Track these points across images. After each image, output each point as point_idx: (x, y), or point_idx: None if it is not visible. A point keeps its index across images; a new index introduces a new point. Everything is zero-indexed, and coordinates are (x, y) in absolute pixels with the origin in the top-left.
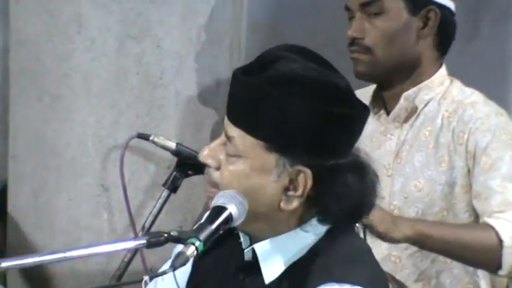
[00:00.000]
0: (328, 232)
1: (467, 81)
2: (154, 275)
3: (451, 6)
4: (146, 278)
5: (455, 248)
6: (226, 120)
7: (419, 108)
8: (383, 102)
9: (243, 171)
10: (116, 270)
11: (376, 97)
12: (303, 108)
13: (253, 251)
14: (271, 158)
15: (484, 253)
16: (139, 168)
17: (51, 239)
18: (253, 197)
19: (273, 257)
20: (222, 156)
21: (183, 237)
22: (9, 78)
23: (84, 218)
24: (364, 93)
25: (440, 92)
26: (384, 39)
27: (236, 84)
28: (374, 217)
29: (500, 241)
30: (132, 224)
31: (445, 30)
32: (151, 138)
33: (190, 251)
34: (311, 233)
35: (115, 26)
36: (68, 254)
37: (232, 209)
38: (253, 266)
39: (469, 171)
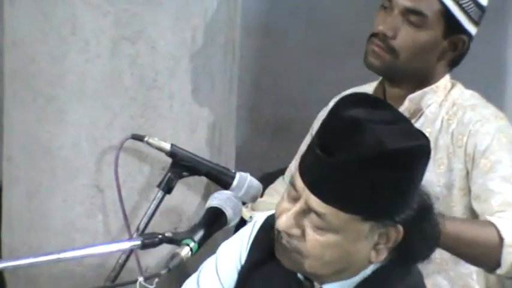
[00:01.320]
0: (385, 265)
1: (463, 83)
2: (148, 276)
3: (474, 33)
4: (141, 279)
5: (455, 243)
6: (307, 191)
7: (422, 110)
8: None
9: (335, 242)
10: (110, 271)
11: (378, 95)
12: (394, 177)
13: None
14: (366, 226)
15: (484, 250)
16: (133, 170)
17: (45, 241)
18: (346, 261)
19: None
20: (305, 225)
21: (177, 238)
22: (3, 79)
23: (78, 219)
24: (363, 90)
25: (442, 95)
26: (412, 49)
27: (322, 164)
28: None
29: (501, 239)
30: (127, 225)
31: (463, 55)
32: (145, 139)
33: (185, 252)
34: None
35: (109, 28)
36: (63, 255)
37: (227, 210)
38: None
39: (467, 173)
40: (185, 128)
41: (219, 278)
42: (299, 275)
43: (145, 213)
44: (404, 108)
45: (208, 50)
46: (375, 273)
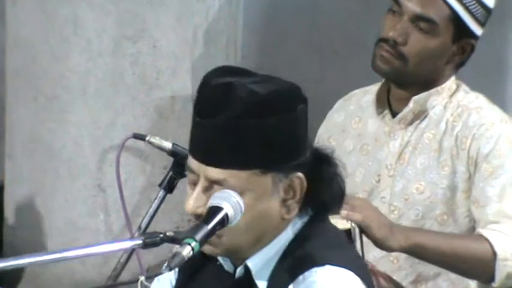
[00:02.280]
0: (305, 225)
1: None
2: (150, 275)
3: (480, 34)
4: (142, 278)
5: (449, 259)
6: (203, 167)
7: (427, 112)
8: (388, 102)
9: (246, 206)
10: (112, 270)
11: (381, 97)
12: (279, 122)
13: (245, 267)
14: (267, 180)
15: (478, 265)
16: (135, 169)
17: (48, 240)
18: (261, 223)
19: (263, 266)
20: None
21: (179, 237)
22: (6, 79)
23: (80, 218)
24: (365, 92)
25: (447, 96)
26: (422, 56)
27: (207, 129)
28: (372, 222)
29: (494, 253)
30: (128, 224)
31: (469, 57)
32: (147, 138)
33: (186, 251)
34: (292, 229)
35: (111, 27)
36: (65, 254)
37: (228, 209)
38: (246, 281)
39: (470, 177)
40: (186, 127)
41: None
42: (224, 265)
43: (147, 213)
44: (409, 109)
45: (210, 50)
46: (295, 237)
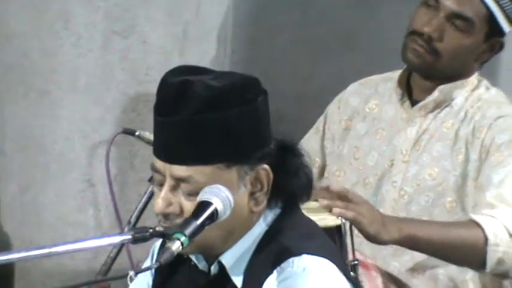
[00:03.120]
0: (277, 217)
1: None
2: (139, 270)
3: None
4: (132, 273)
5: (442, 248)
6: (167, 166)
7: (448, 102)
8: (409, 89)
9: None
10: (102, 265)
11: (402, 83)
12: (239, 114)
13: (219, 264)
14: (233, 173)
15: (470, 252)
16: (125, 164)
17: (38, 235)
18: (230, 218)
19: (237, 261)
20: (179, 199)
21: (168, 232)
22: None
23: (70, 213)
24: (383, 79)
25: (470, 89)
26: (455, 53)
27: (168, 128)
28: (364, 218)
29: (486, 239)
30: (118, 219)
31: (497, 54)
32: (137, 133)
33: (176, 246)
34: (264, 222)
35: (101, 22)
36: (55, 249)
37: (217, 204)
38: (221, 278)
39: (480, 165)
40: None
41: None
42: (198, 265)
43: (137, 208)
44: (433, 98)
45: (200, 45)
46: (268, 230)
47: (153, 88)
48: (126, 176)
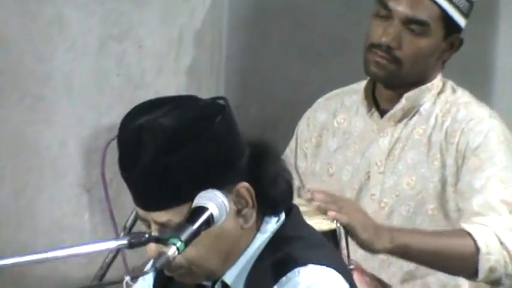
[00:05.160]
0: (279, 227)
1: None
2: (135, 275)
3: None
4: (127, 278)
5: (434, 258)
6: (148, 214)
7: (416, 108)
8: (375, 100)
9: (201, 237)
10: (97, 270)
11: (368, 95)
12: (198, 147)
13: (222, 282)
14: None
15: (462, 261)
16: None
17: (32, 240)
18: (222, 243)
19: (239, 276)
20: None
21: (164, 237)
22: None
23: (65, 218)
24: (347, 92)
25: (436, 93)
26: (416, 57)
27: (133, 180)
28: (358, 223)
29: (477, 248)
30: (114, 224)
31: (457, 51)
32: None
33: (172, 251)
34: (263, 232)
35: (96, 27)
36: (49, 254)
37: (213, 209)
38: None
39: (457, 170)
40: None
41: None
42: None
43: (132, 213)
44: (401, 106)
45: (195, 50)
46: (269, 242)
47: (149, 93)
48: (121, 181)
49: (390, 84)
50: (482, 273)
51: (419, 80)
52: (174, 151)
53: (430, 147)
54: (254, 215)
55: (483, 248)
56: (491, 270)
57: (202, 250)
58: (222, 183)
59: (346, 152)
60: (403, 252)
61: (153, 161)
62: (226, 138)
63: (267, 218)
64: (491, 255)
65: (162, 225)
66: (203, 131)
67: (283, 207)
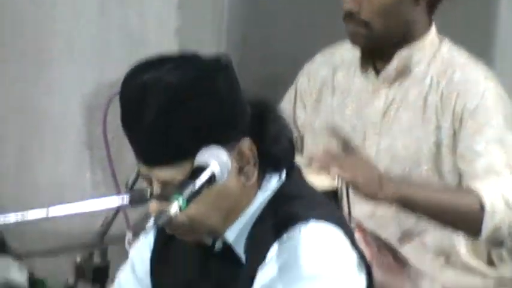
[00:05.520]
0: (280, 185)
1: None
2: (137, 232)
3: None
4: (129, 235)
5: (438, 212)
6: (150, 171)
7: (410, 68)
8: (372, 60)
9: (202, 195)
10: (99, 227)
11: (365, 54)
12: (201, 103)
13: (223, 239)
14: None
15: (466, 217)
16: (122, 127)
17: (34, 198)
18: (224, 200)
19: (240, 234)
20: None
21: (166, 195)
22: None
23: (67, 176)
24: (348, 49)
25: (431, 52)
26: (380, 13)
27: (136, 137)
28: (361, 178)
29: (482, 206)
30: (115, 182)
31: None
32: None
33: (173, 209)
34: (265, 191)
35: None
36: (52, 212)
37: (215, 167)
38: (225, 250)
39: (454, 133)
40: None
41: (136, 276)
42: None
43: (134, 171)
44: (393, 66)
45: (196, 6)
46: (270, 201)
47: (150, 51)
48: (123, 139)
49: (372, 48)
50: (485, 232)
51: (405, 34)
52: (177, 109)
53: (426, 109)
54: (256, 173)
55: (488, 207)
56: (495, 229)
57: (203, 207)
58: (224, 141)
59: (344, 110)
60: (407, 204)
61: (156, 119)
62: (229, 96)
63: (268, 177)
64: (496, 215)
65: (165, 183)
66: (205, 89)
67: (285, 165)
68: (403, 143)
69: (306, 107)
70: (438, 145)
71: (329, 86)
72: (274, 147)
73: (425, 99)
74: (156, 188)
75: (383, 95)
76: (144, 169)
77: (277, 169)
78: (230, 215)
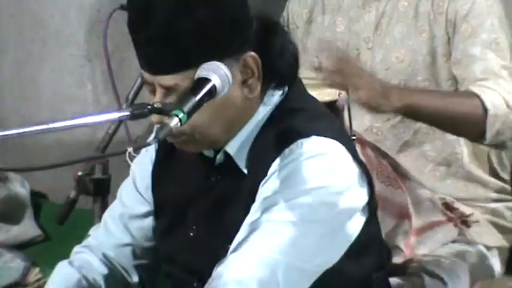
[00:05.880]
0: (282, 99)
1: None
2: (138, 146)
3: None
4: (130, 149)
5: (442, 116)
6: (154, 78)
7: None
8: None
9: (206, 104)
10: (100, 141)
11: None
12: (208, 11)
13: (224, 152)
14: None
15: (470, 121)
16: (122, 40)
17: (36, 111)
18: (226, 110)
19: (241, 148)
20: None
21: (166, 108)
22: None
23: (68, 89)
24: None
25: None
26: None
27: (143, 42)
28: (363, 88)
29: (485, 109)
30: (116, 95)
31: None
32: None
33: (174, 122)
34: (267, 105)
35: None
36: (52, 125)
37: (215, 80)
38: (227, 164)
39: (448, 40)
40: None
41: (137, 189)
42: (204, 152)
43: (135, 84)
44: None
45: None
46: (271, 115)
47: None
48: (123, 52)
49: None
50: (489, 135)
51: None
52: (185, 15)
53: (418, 19)
54: (259, 86)
55: (491, 110)
56: (498, 132)
57: (206, 117)
58: (230, 51)
59: (335, 28)
60: (412, 111)
61: (164, 24)
62: (236, 6)
63: (271, 91)
64: (499, 117)
65: (168, 90)
66: None
67: (289, 80)
68: (397, 55)
69: (298, 28)
70: (433, 54)
71: (319, 5)
72: (279, 61)
73: (417, 9)
74: (159, 96)
75: (373, 8)
76: (147, 76)
77: (280, 84)
78: (232, 127)
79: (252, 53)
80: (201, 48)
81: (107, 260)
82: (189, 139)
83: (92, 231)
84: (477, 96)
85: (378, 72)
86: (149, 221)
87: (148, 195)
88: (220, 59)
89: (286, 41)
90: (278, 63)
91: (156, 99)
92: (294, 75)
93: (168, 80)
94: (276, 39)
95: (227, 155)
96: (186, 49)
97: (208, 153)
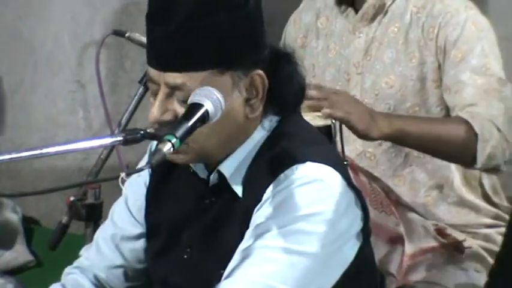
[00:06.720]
0: (278, 124)
1: None
2: (130, 172)
3: None
4: (123, 174)
5: (432, 143)
6: (161, 74)
7: (387, 4)
8: (351, 0)
9: None
10: (92, 166)
11: None
12: (230, 18)
13: (218, 173)
14: (226, 79)
15: (460, 147)
16: (115, 65)
17: (28, 136)
18: (226, 124)
19: (236, 170)
20: (174, 106)
21: (159, 134)
22: None
23: (60, 114)
24: None
25: None
26: None
27: (159, 37)
28: (353, 115)
29: (475, 135)
30: (109, 120)
31: None
32: (127, 35)
33: (167, 148)
34: (265, 129)
35: None
36: (45, 150)
37: (208, 106)
38: (221, 186)
39: (439, 66)
40: None
41: (129, 210)
42: (198, 172)
43: (127, 109)
44: (369, 4)
45: None
46: (268, 138)
47: None
48: (116, 77)
49: None
50: (480, 160)
51: None
52: (207, 16)
53: (408, 45)
54: (261, 108)
55: (481, 135)
56: (490, 157)
57: (204, 129)
58: (243, 63)
59: (327, 53)
60: (401, 137)
61: (185, 21)
62: (258, 20)
63: (271, 117)
64: (489, 142)
65: (173, 89)
66: (238, 4)
67: (291, 109)
68: (387, 81)
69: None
70: (423, 80)
71: (313, 31)
72: (285, 88)
73: (407, 35)
74: (161, 96)
75: (363, 33)
76: (154, 73)
77: (282, 111)
78: (227, 143)
79: (261, 72)
80: (216, 52)
81: (98, 282)
82: (182, 148)
83: (84, 251)
84: (466, 121)
85: (366, 97)
86: (141, 243)
87: (141, 216)
88: (230, 68)
89: (296, 71)
90: (284, 90)
91: (157, 103)
92: (297, 104)
93: (176, 78)
94: (287, 67)
95: (221, 176)
96: (202, 50)
97: (202, 174)
